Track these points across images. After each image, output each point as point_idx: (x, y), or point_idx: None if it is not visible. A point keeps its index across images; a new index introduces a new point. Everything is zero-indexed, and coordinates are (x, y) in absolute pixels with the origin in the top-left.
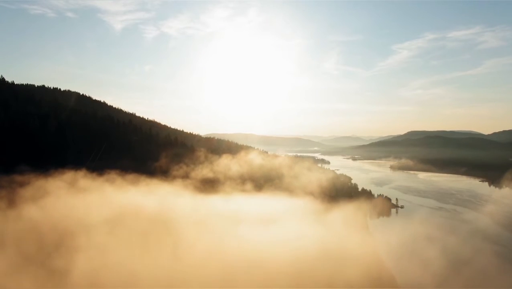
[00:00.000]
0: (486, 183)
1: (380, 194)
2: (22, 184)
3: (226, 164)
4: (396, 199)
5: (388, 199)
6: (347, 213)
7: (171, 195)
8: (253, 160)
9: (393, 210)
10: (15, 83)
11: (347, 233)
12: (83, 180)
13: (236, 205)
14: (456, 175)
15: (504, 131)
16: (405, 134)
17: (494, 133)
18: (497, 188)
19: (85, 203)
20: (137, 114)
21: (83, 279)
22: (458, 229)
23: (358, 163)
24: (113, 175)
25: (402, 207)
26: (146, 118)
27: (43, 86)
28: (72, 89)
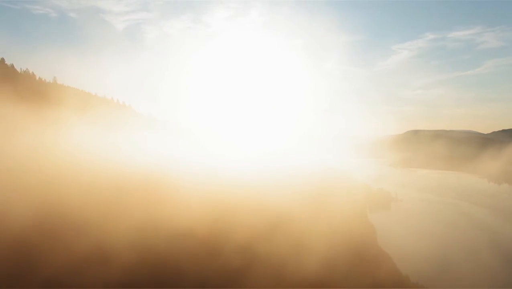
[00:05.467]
0: (486, 179)
1: (379, 189)
2: None
3: None
4: (396, 193)
5: (388, 193)
6: None
7: None
8: None
9: (393, 204)
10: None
11: None
12: None
13: None
14: (455, 172)
15: (503, 130)
16: (404, 134)
17: (494, 132)
18: (496, 184)
19: None
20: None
21: None
22: (454, 220)
23: (358, 161)
24: None
25: (401, 200)
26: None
27: None
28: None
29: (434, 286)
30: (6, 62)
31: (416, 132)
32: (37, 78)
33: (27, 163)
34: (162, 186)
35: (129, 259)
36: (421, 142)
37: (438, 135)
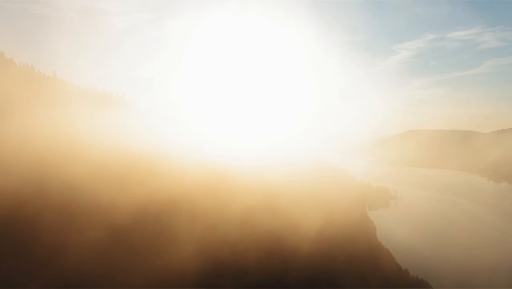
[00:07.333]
0: (485, 178)
1: (379, 187)
2: None
3: None
4: (395, 191)
5: (387, 191)
6: None
7: None
8: None
9: (392, 201)
10: None
11: None
12: None
13: None
14: (454, 171)
15: (503, 130)
16: (404, 133)
17: (493, 132)
18: (495, 183)
19: None
20: None
21: None
22: (453, 217)
23: (358, 159)
24: None
25: (400, 198)
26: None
27: None
28: None
29: (433, 281)
30: (5, 56)
31: (415, 132)
32: (36, 71)
33: (28, 147)
34: (163, 164)
35: (126, 226)
36: (421, 141)
37: (438, 135)
